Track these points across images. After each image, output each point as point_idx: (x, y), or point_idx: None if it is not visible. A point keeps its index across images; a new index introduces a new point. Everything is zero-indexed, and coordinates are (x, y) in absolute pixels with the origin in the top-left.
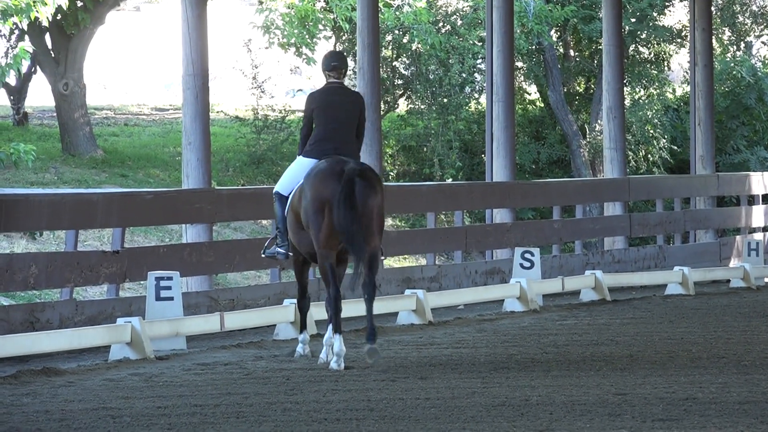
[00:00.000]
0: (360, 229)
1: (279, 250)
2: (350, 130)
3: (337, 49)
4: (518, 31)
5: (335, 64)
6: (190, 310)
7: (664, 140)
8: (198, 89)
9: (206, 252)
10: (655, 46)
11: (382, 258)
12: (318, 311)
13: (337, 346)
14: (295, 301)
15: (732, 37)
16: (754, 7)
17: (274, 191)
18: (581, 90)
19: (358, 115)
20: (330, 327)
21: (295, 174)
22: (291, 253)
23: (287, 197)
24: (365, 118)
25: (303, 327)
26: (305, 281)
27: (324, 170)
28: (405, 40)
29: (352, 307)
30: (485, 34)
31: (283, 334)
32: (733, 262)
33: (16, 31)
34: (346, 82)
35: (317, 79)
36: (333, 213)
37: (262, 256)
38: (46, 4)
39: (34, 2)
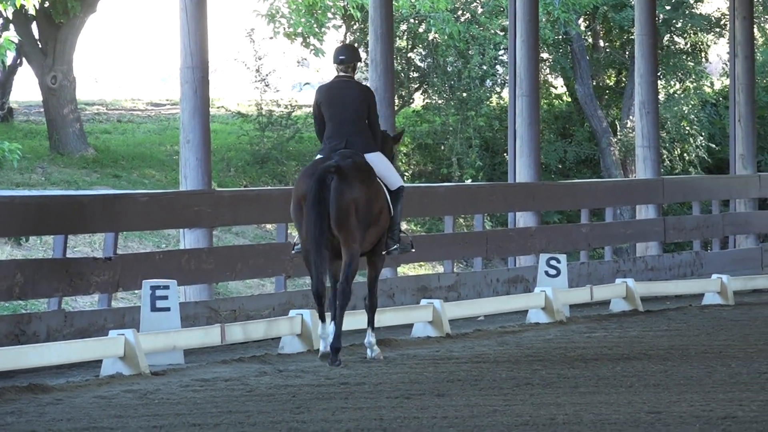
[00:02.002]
0: (323, 230)
1: (297, 246)
2: (358, 124)
3: (348, 42)
4: (543, 19)
5: (342, 57)
6: (189, 322)
7: (702, 138)
8: (197, 83)
9: (206, 259)
10: (692, 35)
11: (396, 251)
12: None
13: (320, 329)
14: (301, 312)
15: None
16: None
17: None
18: (611, 83)
19: (366, 109)
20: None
21: None
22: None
23: None
24: (376, 113)
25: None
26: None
27: (305, 169)
28: (421, 30)
29: (351, 320)
30: (508, 22)
31: (289, 347)
32: None
33: (0, 20)
34: (359, 75)
35: (326, 72)
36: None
37: (291, 252)
38: None
39: None
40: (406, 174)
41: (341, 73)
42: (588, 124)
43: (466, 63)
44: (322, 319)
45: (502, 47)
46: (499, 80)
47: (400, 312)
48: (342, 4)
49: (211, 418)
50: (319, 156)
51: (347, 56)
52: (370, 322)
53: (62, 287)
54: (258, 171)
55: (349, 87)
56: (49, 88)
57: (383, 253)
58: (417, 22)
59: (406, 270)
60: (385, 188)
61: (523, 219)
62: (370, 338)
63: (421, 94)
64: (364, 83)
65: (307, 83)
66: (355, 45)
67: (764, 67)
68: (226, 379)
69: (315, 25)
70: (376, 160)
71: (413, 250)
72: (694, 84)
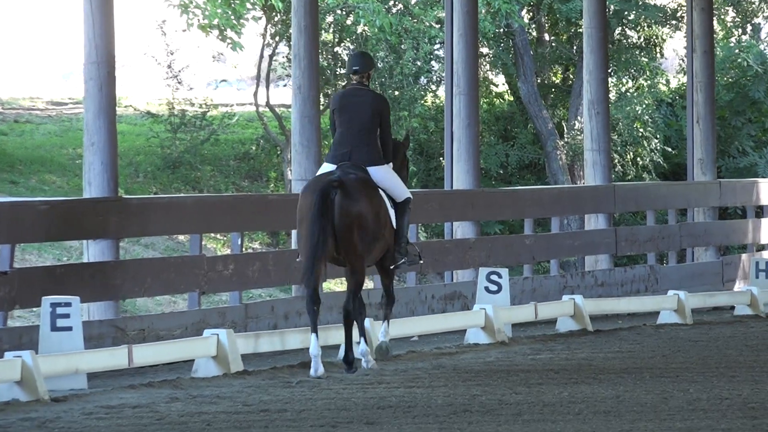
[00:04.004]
0: (324, 245)
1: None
2: (365, 133)
3: (362, 50)
4: (483, 11)
5: (357, 68)
6: (93, 342)
7: (656, 140)
8: (102, 80)
9: (112, 273)
10: (646, 29)
11: (405, 263)
12: (245, 343)
13: (312, 346)
14: (217, 332)
15: (736, 19)
16: None
17: None
18: (558, 81)
19: (378, 119)
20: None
21: None
22: None
23: None
24: (389, 122)
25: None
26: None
27: (308, 184)
28: (349, 22)
29: (272, 340)
30: (444, 14)
31: (204, 370)
32: (739, 286)
33: None
34: (280, 71)
35: (244, 68)
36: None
37: (297, 260)
38: None
39: None
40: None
41: (354, 82)
42: (532, 125)
43: (399, 58)
44: (314, 331)
45: (437, 41)
46: (434, 77)
47: (326, 332)
48: None
49: None
50: (324, 164)
51: (361, 65)
52: (386, 316)
53: None
54: (169, 176)
55: (362, 95)
56: None
57: (391, 267)
58: (344, 13)
59: (332, 285)
60: (388, 202)
61: (461, 229)
62: (365, 347)
63: None
64: (378, 92)
65: (223, 80)
66: (369, 52)
67: (724, 64)
68: (134, 405)
69: (232, 17)
70: (380, 174)
71: (422, 262)
72: (649, 82)
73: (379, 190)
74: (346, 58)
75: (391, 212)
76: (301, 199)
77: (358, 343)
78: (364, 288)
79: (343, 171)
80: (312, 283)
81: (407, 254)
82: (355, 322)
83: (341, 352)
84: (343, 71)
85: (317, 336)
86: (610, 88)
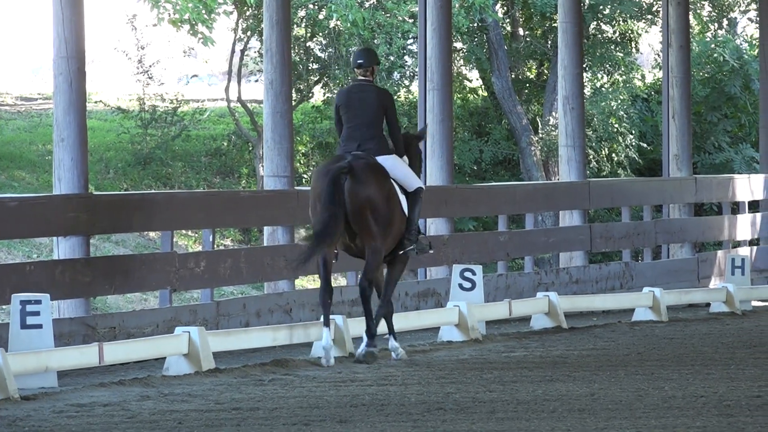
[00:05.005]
0: (334, 231)
1: None
2: (372, 127)
3: (367, 46)
4: (457, 5)
5: (361, 62)
6: (63, 340)
7: (632, 136)
8: (72, 75)
9: (82, 270)
10: (621, 23)
11: (420, 251)
12: (215, 341)
13: (324, 339)
14: (188, 329)
15: (713, 13)
16: None
17: None
18: (532, 76)
19: (383, 112)
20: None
21: None
22: None
23: None
24: (396, 115)
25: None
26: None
27: (319, 168)
28: (321, 17)
29: (244, 338)
30: (417, 9)
31: (175, 368)
32: (714, 282)
33: None
34: (252, 66)
35: (215, 63)
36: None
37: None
38: None
39: None
40: (305, 176)
41: (360, 77)
42: (506, 121)
43: None
44: (326, 324)
45: (411, 36)
46: (407, 72)
47: (297, 329)
48: None
49: None
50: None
51: (365, 60)
52: (391, 329)
53: None
54: (140, 173)
55: (366, 90)
56: None
57: (400, 253)
58: (317, 8)
59: (304, 283)
60: (399, 191)
61: (435, 226)
62: (394, 343)
63: (322, 87)
64: (382, 86)
65: (194, 75)
66: (373, 48)
67: (700, 59)
68: (105, 404)
69: (203, 11)
70: (389, 163)
71: (431, 251)
72: (624, 77)
73: (390, 177)
74: (316, 54)
75: (403, 200)
76: (313, 184)
77: (387, 337)
78: (336, 285)
79: (354, 157)
80: (325, 271)
81: (417, 242)
82: (375, 312)
83: (363, 347)
84: (315, 66)
85: (330, 329)
86: (585, 84)
